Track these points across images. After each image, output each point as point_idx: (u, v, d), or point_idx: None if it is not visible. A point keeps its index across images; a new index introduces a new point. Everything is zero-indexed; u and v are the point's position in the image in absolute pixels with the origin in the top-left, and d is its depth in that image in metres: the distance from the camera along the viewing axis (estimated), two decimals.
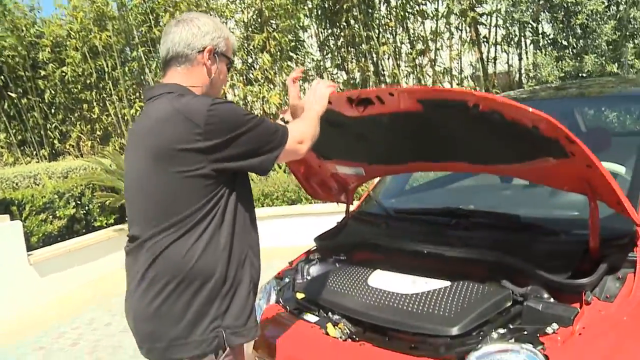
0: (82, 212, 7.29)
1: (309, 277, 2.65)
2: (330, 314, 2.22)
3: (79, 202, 7.26)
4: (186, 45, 1.81)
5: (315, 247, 2.95)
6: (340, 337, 2.05)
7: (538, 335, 1.74)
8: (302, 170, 2.85)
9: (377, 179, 3.36)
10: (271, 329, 2.35)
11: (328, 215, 6.64)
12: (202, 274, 1.69)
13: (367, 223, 2.89)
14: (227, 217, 1.74)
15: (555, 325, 1.76)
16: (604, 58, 7.09)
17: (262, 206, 7.52)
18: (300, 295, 2.48)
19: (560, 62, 7.39)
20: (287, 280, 2.64)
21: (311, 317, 2.27)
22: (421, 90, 2.01)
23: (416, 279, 2.24)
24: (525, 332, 1.77)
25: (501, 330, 1.81)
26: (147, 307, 1.71)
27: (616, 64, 7.13)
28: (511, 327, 1.84)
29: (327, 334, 2.09)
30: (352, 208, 3.09)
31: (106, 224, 7.49)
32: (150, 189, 1.74)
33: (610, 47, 7.24)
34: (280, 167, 8.30)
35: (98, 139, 12.13)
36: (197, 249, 1.69)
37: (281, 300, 2.49)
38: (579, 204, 2.37)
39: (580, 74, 7.12)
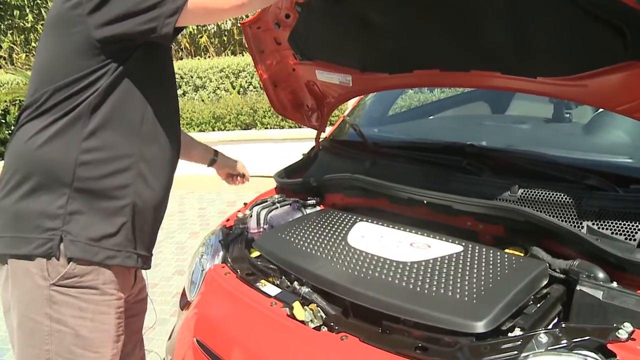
0: (7, 132, 6.42)
1: (266, 228, 2.03)
2: (297, 284, 1.62)
3: (2, 121, 6.38)
4: None
5: (275, 187, 2.33)
6: (311, 322, 1.45)
7: (606, 341, 1.18)
8: (269, 70, 2.18)
9: (352, 102, 2.72)
10: (214, 303, 1.75)
11: (288, 142, 5.97)
12: (44, 164, 1.39)
13: (344, 156, 2.26)
14: (106, 107, 1.40)
15: (628, 327, 1.20)
16: None
17: (213, 130, 6.78)
18: (255, 254, 1.87)
19: None
20: (238, 231, 2.01)
21: (270, 288, 1.66)
22: None
23: (414, 239, 1.66)
24: (588, 337, 1.20)
25: (549, 330, 1.24)
26: None
27: None
28: (563, 325, 1.27)
29: (293, 316, 1.49)
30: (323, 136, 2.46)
31: None
32: (36, 60, 1.48)
33: None
34: (234, 88, 7.52)
35: (33, 52, 10.94)
36: (44, 135, 1.38)
37: (229, 260, 1.86)
38: (628, 148, 1.83)
39: None
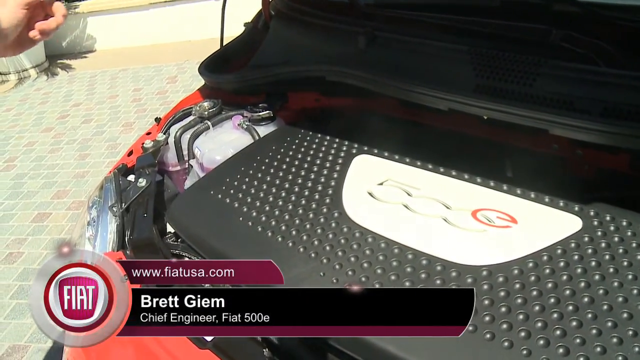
0: None
1: (195, 166, 1.18)
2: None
3: None
4: None
5: (203, 86, 1.42)
6: None
7: None
8: None
9: None
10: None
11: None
12: None
13: (313, 26, 1.32)
14: None
15: None
16: None
17: None
18: (171, 233, 1.04)
19: None
20: (142, 182, 1.14)
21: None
22: None
23: (477, 200, 0.83)
24: None
25: None
26: None
27: None
28: None
29: None
30: None
31: None
32: None
33: None
34: None
35: None
36: None
37: (128, 246, 1.01)
38: None
39: None
